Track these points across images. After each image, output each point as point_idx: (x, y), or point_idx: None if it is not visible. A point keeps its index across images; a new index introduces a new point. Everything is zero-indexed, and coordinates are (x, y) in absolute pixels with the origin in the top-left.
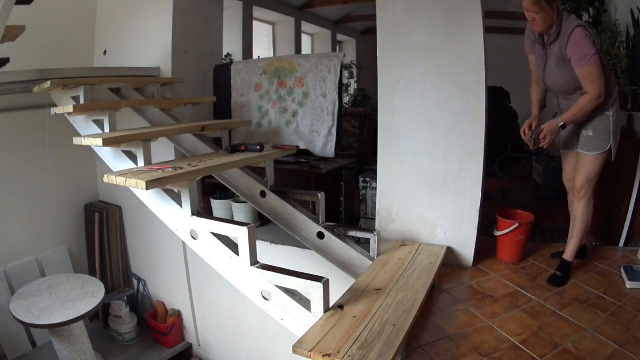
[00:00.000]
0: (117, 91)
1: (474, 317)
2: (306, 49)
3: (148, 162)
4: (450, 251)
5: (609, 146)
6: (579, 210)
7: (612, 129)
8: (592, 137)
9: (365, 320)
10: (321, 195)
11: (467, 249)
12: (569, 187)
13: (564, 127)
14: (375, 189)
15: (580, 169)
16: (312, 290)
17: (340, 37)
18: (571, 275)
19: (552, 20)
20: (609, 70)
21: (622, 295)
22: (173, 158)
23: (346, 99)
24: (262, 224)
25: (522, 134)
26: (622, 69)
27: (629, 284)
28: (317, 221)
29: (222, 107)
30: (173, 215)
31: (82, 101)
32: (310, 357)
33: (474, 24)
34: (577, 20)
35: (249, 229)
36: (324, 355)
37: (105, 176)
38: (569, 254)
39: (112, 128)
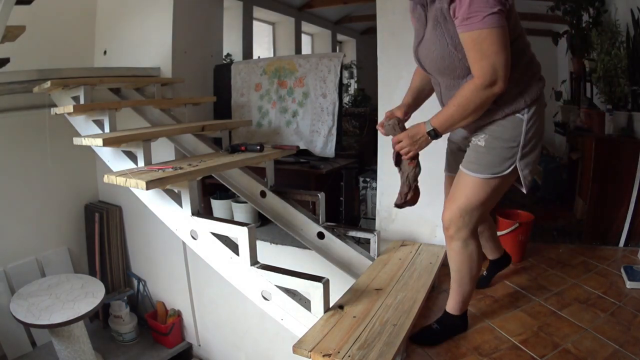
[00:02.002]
0: (117, 91)
1: (474, 317)
2: (306, 49)
3: (148, 162)
4: None
5: (509, 168)
6: (450, 256)
7: (522, 140)
8: (483, 149)
9: (365, 320)
10: (321, 195)
11: None
12: None
13: (435, 135)
14: (375, 189)
15: (454, 195)
16: (312, 290)
17: (340, 37)
18: (454, 332)
19: None
20: (530, 49)
21: (622, 295)
22: (173, 158)
23: (346, 99)
24: (262, 224)
25: (379, 128)
26: (622, 69)
27: (629, 284)
28: (317, 221)
29: (222, 107)
30: (173, 215)
31: (82, 101)
32: (310, 357)
33: None
34: None
35: (249, 229)
36: (324, 355)
37: (105, 176)
38: (450, 305)
39: (112, 128)
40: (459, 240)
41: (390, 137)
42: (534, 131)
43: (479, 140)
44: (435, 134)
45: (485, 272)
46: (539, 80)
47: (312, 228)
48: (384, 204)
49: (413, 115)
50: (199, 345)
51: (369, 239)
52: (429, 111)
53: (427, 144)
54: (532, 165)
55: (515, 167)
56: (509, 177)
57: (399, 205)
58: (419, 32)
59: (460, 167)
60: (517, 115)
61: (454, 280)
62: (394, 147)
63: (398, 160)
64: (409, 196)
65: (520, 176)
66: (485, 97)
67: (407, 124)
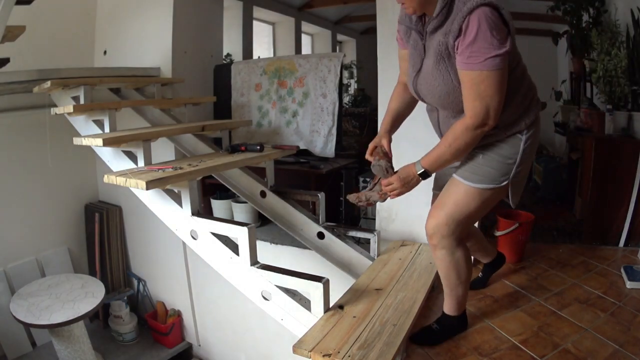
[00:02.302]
0: (117, 91)
1: (474, 317)
2: (306, 49)
3: (148, 162)
4: None
5: (503, 182)
6: (437, 264)
7: (518, 159)
8: (481, 160)
9: (365, 320)
10: (321, 195)
11: None
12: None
13: (424, 175)
14: None
15: (443, 201)
16: (312, 290)
17: (340, 37)
18: (453, 332)
19: None
20: (527, 73)
21: (622, 295)
22: (173, 158)
23: (346, 99)
24: (262, 224)
25: (369, 153)
26: (622, 69)
27: (629, 284)
28: (317, 221)
29: (222, 107)
30: (173, 215)
31: (82, 101)
32: (310, 357)
33: None
34: None
35: (249, 229)
36: (324, 355)
37: (105, 176)
38: (447, 307)
39: (112, 128)
40: (444, 249)
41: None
42: (530, 151)
43: (477, 154)
44: (426, 175)
45: (480, 273)
46: (537, 102)
47: (312, 228)
48: (384, 204)
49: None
50: (199, 345)
51: (369, 239)
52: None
53: (417, 184)
54: (521, 183)
55: (508, 182)
56: (500, 191)
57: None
58: (415, 61)
59: (454, 175)
60: (518, 135)
61: (444, 285)
62: (381, 186)
63: (371, 201)
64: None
65: (510, 192)
66: (475, 137)
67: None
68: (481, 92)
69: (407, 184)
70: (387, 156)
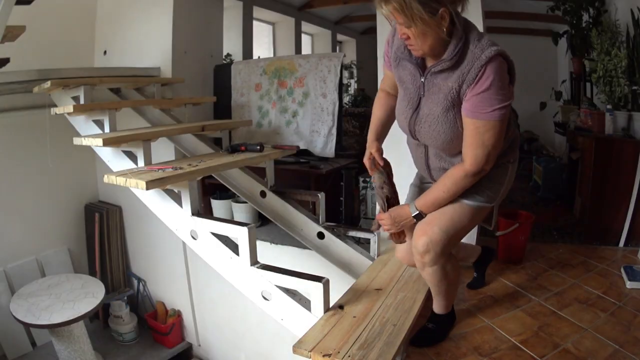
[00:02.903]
0: (117, 91)
1: (474, 317)
2: (306, 49)
3: (148, 162)
4: None
5: (491, 203)
6: (425, 278)
7: (505, 183)
8: (477, 182)
9: (365, 320)
10: (321, 195)
11: None
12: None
13: (419, 217)
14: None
15: (436, 217)
16: (312, 290)
17: (340, 37)
18: (448, 327)
19: (438, 40)
20: (513, 120)
21: (622, 295)
22: (173, 158)
23: (346, 99)
24: (262, 224)
25: (369, 170)
26: (622, 69)
27: (629, 284)
28: (317, 221)
29: (222, 107)
30: (173, 215)
31: (82, 101)
32: (310, 357)
33: (474, 24)
34: (494, 44)
35: (249, 229)
36: (324, 355)
37: (105, 176)
38: (438, 308)
39: (112, 128)
40: (436, 266)
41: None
42: (512, 177)
43: None
44: (420, 216)
45: (475, 273)
46: (518, 134)
47: (312, 228)
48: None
49: None
50: (199, 345)
51: (369, 239)
52: None
53: (410, 224)
54: (498, 207)
55: (493, 205)
56: (485, 212)
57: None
58: (412, 97)
59: None
60: (505, 163)
61: (435, 292)
62: (381, 199)
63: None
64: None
65: (494, 214)
66: (472, 181)
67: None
68: (485, 141)
69: (398, 224)
70: (383, 167)
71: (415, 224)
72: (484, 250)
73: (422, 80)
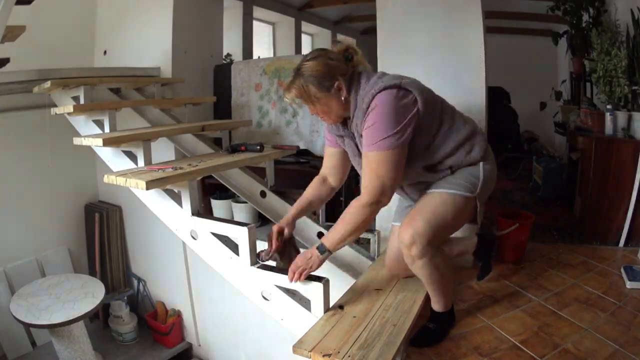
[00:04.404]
0: (117, 91)
1: (474, 317)
2: (306, 49)
3: (148, 162)
4: None
5: (472, 193)
6: (416, 272)
7: (481, 178)
8: (451, 175)
9: (365, 320)
10: None
11: None
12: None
13: (328, 253)
14: None
15: (420, 211)
16: (312, 290)
17: (340, 37)
18: (448, 326)
19: (342, 104)
20: (456, 115)
21: (622, 295)
22: (173, 158)
23: None
24: (262, 224)
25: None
26: (622, 69)
27: (629, 284)
28: (317, 221)
29: (222, 107)
30: (173, 215)
31: (82, 101)
32: (310, 357)
33: (474, 24)
34: (384, 80)
35: (249, 229)
36: (324, 355)
37: (105, 176)
38: (437, 305)
39: (112, 128)
40: (424, 258)
41: None
42: (489, 176)
43: (445, 172)
44: (328, 252)
45: (479, 264)
46: (482, 135)
47: (312, 228)
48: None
49: None
50: (199, 345)
51: (369, 239)
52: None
53: (320, 262)
54: (482, 205)
55: (476, 198)
56: (469, 204)
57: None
58: (354, 150)
59: (429, 190)
60: (475, 165)
61: (431, 289)
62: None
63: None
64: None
65: (479, 211)
66: (371, 212)
67: None
68: (377, 172)
69: (309, 260)
70: (284, 244)
71: (322, 260)
72: (481, 239)
73: (355, 142)
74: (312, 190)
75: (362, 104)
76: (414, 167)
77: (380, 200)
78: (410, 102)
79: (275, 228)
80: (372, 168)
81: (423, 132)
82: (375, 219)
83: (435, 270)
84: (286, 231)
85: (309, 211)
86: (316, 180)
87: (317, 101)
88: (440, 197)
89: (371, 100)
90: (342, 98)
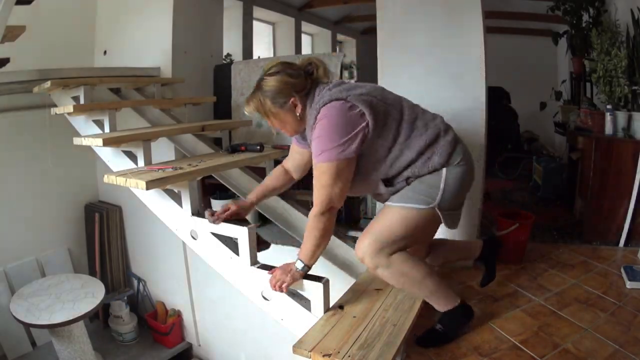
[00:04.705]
0: (117, 91)
1: (474, 317)
2: (306, 49)
3: (148, 162)
4: None
5: (429, 205)
6: (393, 284)
7: (441, 187)
8: (406, 187)
9: (365, 320)
10: None
11: None
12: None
13: (306, 268)
14: None
15: (371, 225)
16: (312, 290)
17: (340, 37)
18: (460, 324)
19: (297, 119)
20: (419, 120)
21: (622, 295)
22: (173, 158)
23: None
24: (262, 224)
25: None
26: (622, 69)
27: (629, 284)
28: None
29: (222, 107)
30: (173, 215)
31: (82, 101)
32: (310, 357)
33: (474, 24)
34: (332, 92)
35: (249, 229)
36: (324, 355)
37: (105, 176)
38: (437, 306)
39: (112, 128)
40: (379, 267)
41: None
42: (455, 182)
43: (404, 186)
44: (306, 266)
45: (483, 268)
46: (445, 137)
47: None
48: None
49: None
50: (199, 345)
51: None
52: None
53: (300, 276)
54: (454, 211)
55: (436, 209)
56: (427, 215)
57: None
58: None
59: (385, 203)
60: (437, 171)
61: (416, 294)
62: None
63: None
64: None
65: (442, 218)
66: (326, 220)
67: None
68: (323, 182)
69: (289, 274)
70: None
71: (302, 274)
72: (486, 244)
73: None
74: (275, 181)
75: (312, 117)
76: (371, 179)
77: (330, 209)
78: (357, 115)
79: (233, 208)
80: (318, 178)
81: (377, 145)
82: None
83: (402, 276)
84: (240, 214)
85: (269, 196)
86: (279, 169)
87: (272, 115)
88: (390, 212)
89: (318, 113)
90: (297, 114)
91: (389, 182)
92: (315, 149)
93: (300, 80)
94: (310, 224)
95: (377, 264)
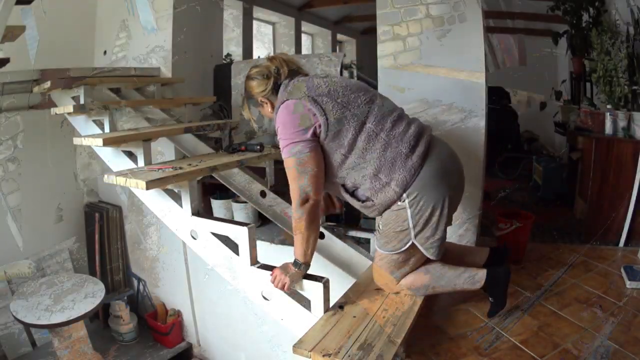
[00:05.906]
0: (117, 91)
1: (474, 317)
2: (306, 49)
3: (148, 162)
4: None
5: (405, 245)
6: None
7: (410, 223)
8: (380, 230)
9: (365, 320)
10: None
11: None
12: None
13: (302, 266)
14: None
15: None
16: (312, 290)
17: (340, 37)
18: (503, 295)
19: (270, 115)
20: (378, 139)
21: (622, 295)
22: (173, 158)
23: None
24: (262, 224)
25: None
26: (622, 69)
27: (629, 284)
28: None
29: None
30: (173, 215)
31: (82, 101)
32: (310, 357)
33: (474, 24)
34: (291, 89)
35: (249, 229)
36: (324, 355)
37: (105, 176)
38: (471, 287)
39: (112, 128)
40: (402, 292)
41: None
42: (423, 210)
43: (379, 223)
44: (303, 265)
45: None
46: (406, 162)
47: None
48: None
49: None
50: (199, 345)
51: (369, 239)
52: None
53: (299, 275)
54: (433, 236)
55: (413, 243)
56: (409, 251)
57: None
58: None
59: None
60: (398, 202)
61: (450, 291)
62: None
63: None
64: None
65: (422, 249)
66: (306, 212)
67: None
68: (292, 175)
69: (288, 274)
70: None
71: (301, 274)
72: (492, 254)
73: None
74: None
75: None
76: (333, 182)
77: (306, 199)
78: (308, 112)
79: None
80: (287, 174)
81: (333, 148)
82: (375, 219)
83: (423, 288)
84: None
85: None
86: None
87: (260, 111)
88: (378, 256)
89: (277, 112)
90: (270, 111)
91: (350, 191)
92: (280, 143)
93: (269, 81)
94: (293, 219)
95: (396, 290)
